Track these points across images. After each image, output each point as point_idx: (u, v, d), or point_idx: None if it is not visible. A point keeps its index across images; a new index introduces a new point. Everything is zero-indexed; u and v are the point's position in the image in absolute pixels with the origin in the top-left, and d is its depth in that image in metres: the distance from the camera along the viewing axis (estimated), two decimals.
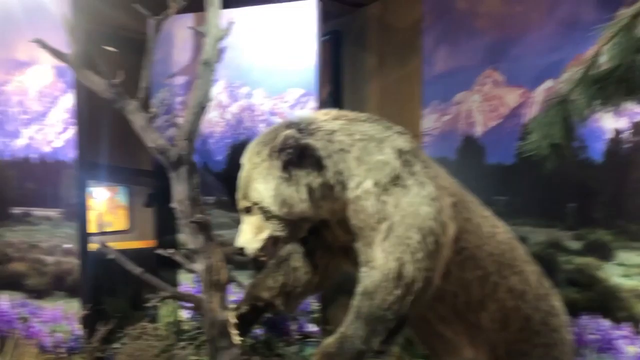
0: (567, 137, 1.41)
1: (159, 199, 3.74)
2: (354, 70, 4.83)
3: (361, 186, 1.55)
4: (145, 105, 2.71)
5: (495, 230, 1.74)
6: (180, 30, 3.87)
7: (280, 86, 3.79)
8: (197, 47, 3.66)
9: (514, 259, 1.72)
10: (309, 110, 3.68)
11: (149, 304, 2.67)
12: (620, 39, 1.42)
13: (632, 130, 2.52)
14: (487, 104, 3.37)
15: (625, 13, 1.46)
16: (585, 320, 2.22)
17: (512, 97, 3.19)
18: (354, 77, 4.82)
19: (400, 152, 1.59)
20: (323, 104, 3.90)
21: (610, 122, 2.61)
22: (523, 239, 2.18)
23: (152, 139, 2.60)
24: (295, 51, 3.74)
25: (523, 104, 3.11)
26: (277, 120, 3.67)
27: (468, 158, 3.49)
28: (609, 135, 2.63)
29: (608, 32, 1.48)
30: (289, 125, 1.63)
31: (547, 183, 2.89)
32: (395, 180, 1.55)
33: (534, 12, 3.04)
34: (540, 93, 3.00)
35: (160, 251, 2.60)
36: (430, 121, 3.76)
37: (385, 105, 4.58)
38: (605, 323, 2.22)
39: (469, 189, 1.83)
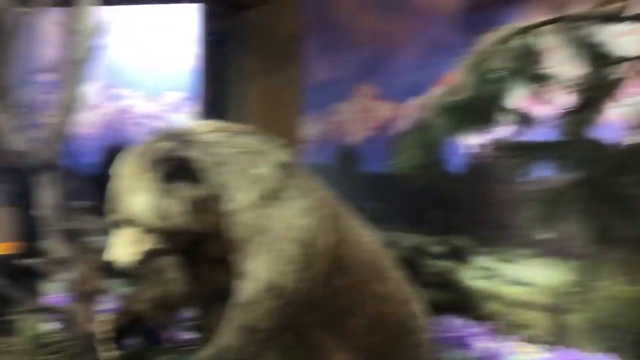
0: (428, 160, 1.55)
1: (22, 197, 3.46)
2: (237, 74, 4.80)
3: (240, 199, 1.58)
4: (5, 105, 2.52)
5: (362, 239, 1.84)
6: (51, 25, 3.64)
7: (159, 88, 3.70)
8: (68, 45, 3.45)
9: (379, 266, 1.84)
10: (187, 113, 3.62)
11: (6, 318, 2.48)
12: (476, 70, 1.59)
13: (489, 146, 2.79)
14: (363, 115, 3.54)
15: (482, 45, 1.62)
16: (444, 319, 2.43)
17: (385, 110, 3.39)
18: (236, 82, 4.80)
19: (280, 166, 1.64)
20: (204, 108, 3.86)
21: (471, 138, 2.87)
22: (392, 244, 2.34)
23: (12, 141, 2.42)
24: (177, 53, 3.67)
25: (394, 117, 3.31)
26: (155, 123, 3.58)
27: (344, 166, 3.64)
28: (470, 149, 2.89)
29: (467, 62, 1.64)
30: (167, 136, 1.61)
31: (415, 192, 3.10)
32: (274, 194, 1.60)
33: (406, 31, 3.25)
34: (409, 107, 3.21)
35: (21, 261, 2.42)
36: (310, 128, 3.87)
37: (267, 111, 4.61)
38: (460, 321, 2.45)
39: (344, 195, 1.93)
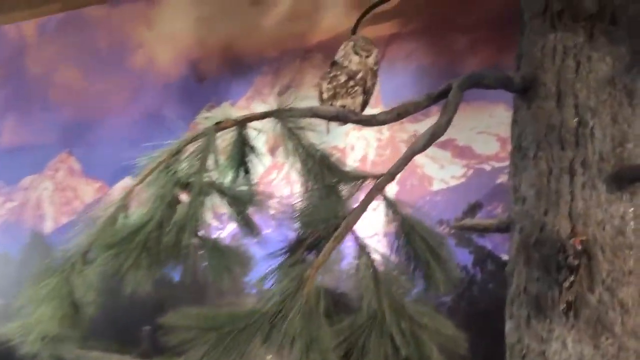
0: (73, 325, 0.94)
1: None
2: None
3: None
4: None
5: None
6: None
7: None
8: None
9: None
10: None
11: None
12: (155, 181, 1.04)
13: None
14: (60, 195, 2.76)
15: (166, 149, 1.09)
16: None
17: (88, 190, 2.67)
18: None
19: None
20: None
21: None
22: None
23: None
24: None
25: (100, 201, 2.61)
26: None
27: (35, 259, 2.76)
28: None
29: (146, 168, 1.09)
30: None
31: (124, 304, 2.43)
32: None
33: (118, 96, 2.62)
34: (118, 191, 2.56)
35: None
36: None
37: None
38: None
39: None
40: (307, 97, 2.08)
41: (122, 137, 2.58)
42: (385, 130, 1.82)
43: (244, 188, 1.03)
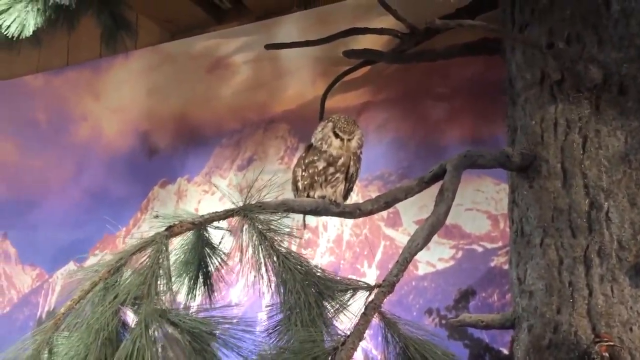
0: None
1: None
2: None
3: None
4: None
5: None
6: None
7: None
8: None
9: None
10: None
11: None
12: (91, 308, 0.81)
13: None
14: None
15: (105, 263, 0.86)
16: None
17: (24, 278, 2.36)
18: None
19: None
20: None
21: None
22: None
23: None
24: None
25: (38, 290, 2.30)
26: None
27: None
28: None
29: (78, 290, 0.86)
30: None
31: None
32: None
33: (57, 172, 2.35)
34: (60, 278, 2.26)
35: None
36: None
37: None
38: None
39: None
40: (272, 172, 1.89)
41: (63, 218, 2.31)
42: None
43: (204, 315, 0.79)
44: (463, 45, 1.44)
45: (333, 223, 1.81)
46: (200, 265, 0.95)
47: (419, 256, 1.59)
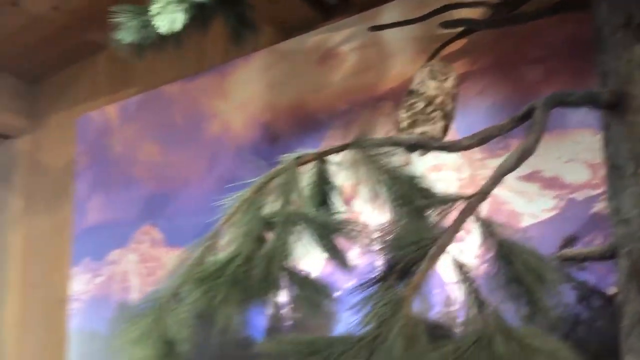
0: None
1: None
2: None
3: None
4: None
5: None
6: None
7: None
8: None
9: None
10: None
11: None
12: (241, 219, 1.04)
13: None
14: (144, 266, 2.83)
15: (250, 187, 1.09)
16: None
17: (171, 259, 2.72)
18: None
19: None
20: None
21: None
22: None
23: None
24: None
25: None
26: None
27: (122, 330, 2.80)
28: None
29: (231, 207, 1.09)
30: None
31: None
32: None
33: (193, 166, 2.71)
34: None
35: None
36: (81, 283, 3.04)
37: (31, 260, 3.66)
38: None
39: None
40: None
41: (200, 205, 2.65)
42: (466, 169, 1.77)
43: (330, 216, 1.00)
44: (553, 4, 1.55)
45: (439, 187, 1.96)
46: (322, 194, 1.16)
47: (522, 209, 1.69)
